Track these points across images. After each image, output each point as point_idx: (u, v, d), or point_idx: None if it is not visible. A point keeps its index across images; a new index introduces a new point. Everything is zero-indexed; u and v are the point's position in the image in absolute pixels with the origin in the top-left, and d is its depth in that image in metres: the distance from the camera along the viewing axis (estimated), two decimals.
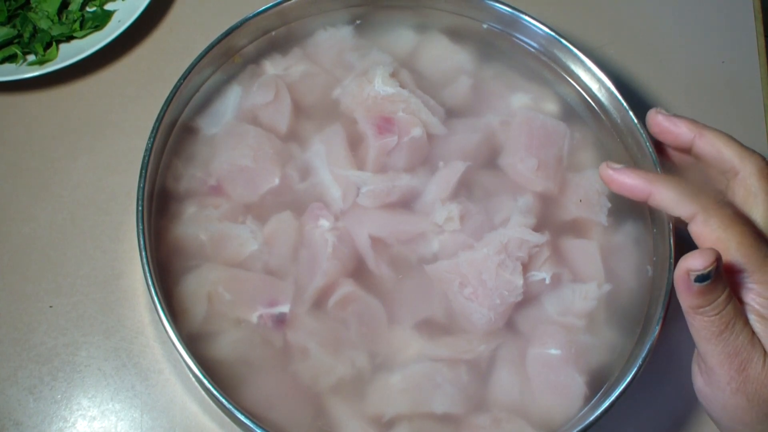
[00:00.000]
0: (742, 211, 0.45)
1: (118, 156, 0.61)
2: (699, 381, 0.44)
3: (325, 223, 0.50)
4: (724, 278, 0.41)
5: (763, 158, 0.46)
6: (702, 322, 0.41)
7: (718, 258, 0.40)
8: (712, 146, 0.47)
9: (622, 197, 0.53)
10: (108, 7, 0.66)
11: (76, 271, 0.57)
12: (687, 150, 0.48)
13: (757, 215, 0.45)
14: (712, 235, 0.42)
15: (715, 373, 0.42)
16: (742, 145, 0.47)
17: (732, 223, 0.42)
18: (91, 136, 0.62)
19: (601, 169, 0.47)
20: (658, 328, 0.47)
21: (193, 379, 0.52)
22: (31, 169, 0.61)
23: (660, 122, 0.48)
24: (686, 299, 0.41)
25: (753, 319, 0.42)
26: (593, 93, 0.56)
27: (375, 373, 0.48)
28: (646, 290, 0.51)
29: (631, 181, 0.46)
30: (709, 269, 0.40)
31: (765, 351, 0.41)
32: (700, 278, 0.40)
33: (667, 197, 0.44)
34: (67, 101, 0.63)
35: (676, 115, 0.48)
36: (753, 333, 0.42)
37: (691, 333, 0.43)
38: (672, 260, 0.48)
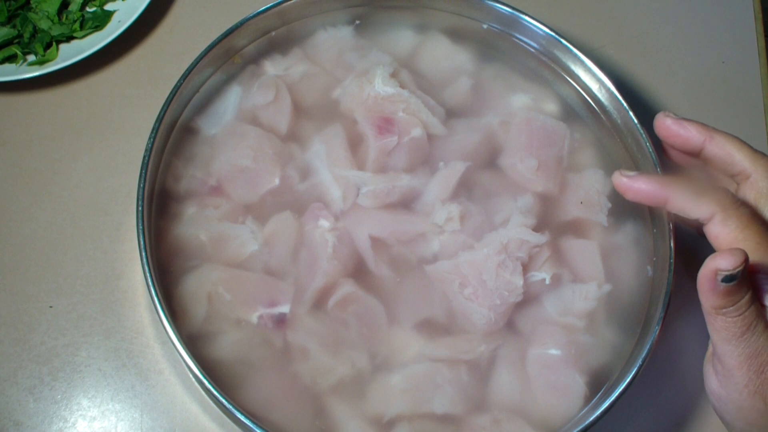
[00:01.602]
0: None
1: (118, 156, 0.61)
2: (713, 382, 0.44)
3: (325, 223, 0.50)
4: (748, 279, 0.41)
5: None
6: (723, 323, 0.41)
7: (746, 259, 0.39)
8: (723, 149, 0.46)
9: (622, 197, 0.53)
10: (108, 7, 0.66)
11: (76, 272, 0.57)
12: (696, 153, 0.48)
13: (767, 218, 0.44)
14: (730, 235, 0.42)
15: (733, 374, 0.42)
16: (752, 148, 0.46)
17: (750, 223, 0.42)
18: (91, 136, 0.62)
19: (615, 178, 0.46)
20: (658, 328, 0.47)
21: (193, 380, 0.52)
22: (31, 169, 0.61)
23: (669, 126, 0.48)
24: (710, 299, 0.41)
25: None
26: (593, 93, 0.56)
27: (375, 373, 0.48)
28: (646, 290, 0.51)
29: (648, 188, 0.45)
30: (738, 269, 0.39)
31: None
32: (728, 278, 0.39)
33: (685, 200, 0.44)
34: (67, 101, 0.63)
35: (684, 119, 0.48)
36: None
37: (710, 333, 0.43)
38: (672, 260, 0.48)
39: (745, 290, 0.40)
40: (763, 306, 0.42)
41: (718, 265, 0.40)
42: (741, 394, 0.42)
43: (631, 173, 0.46)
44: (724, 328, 0.41)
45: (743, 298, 0.40)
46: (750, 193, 0.45)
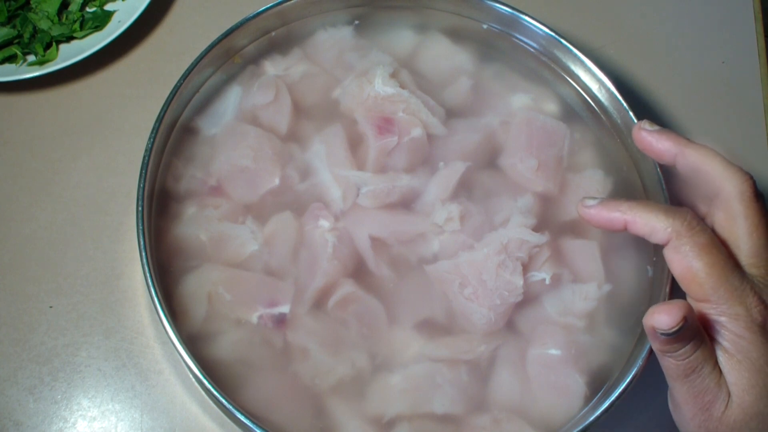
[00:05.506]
0: (722, 237, 0.43)
1: (118, 156, 0.61)
2: (671, 407, 0.44)
3: (325, 223, 0.50)
4: (694, 326, 0.39)
5: (748, 178, 0.43)
6: (669, 363, 0.41)
7: (687, 316, 0.38)
8: (692, 166, 0.44)
9: (622, 196, 0.53)
10: (108, 7, 0.66)
11: (76, 272, 0.57)
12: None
13: (738, 241, 0.42)
14: (682, 263, 0.41)
15: (681, 407, 0.42)
16: (726, 162, 0.43)
17: (703, 252, 0.40)
18: (91, 137, 0.62)
19: (578, 209, 0.45)
20: None
21: (193, 380, 0.52)
22: (31, 169, 0.61)
23: (643, 138, 0.46)
24: (653, 343, 0.41)
25: (720, 356, 0.41)
26: (593, 93, 0.56)
27: (375, 373, 0.48)
28: (646, 290, 0.51)
29: (608, 214, 0.44)
30: (674, 329, 0.39)
31: (729, 392, 0.40)
32: (665, 334, 0.39)
33: (643, 225, 0.42)
34: (67, 101, 0.63)
35: (660, 130, 0.45)
36: (721, 373, 0.40)
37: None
38: None
39: (687, 339, 0.39)
40: (711, 338, 0.41)
41: (654, 323, 0.39)
42: (689, 425, 0.42)
43: (593, 201, 0.45)
44: (669, 368, 0.41)
45: (686, 345, 0.39)
46: (719, 213, 0.43)
